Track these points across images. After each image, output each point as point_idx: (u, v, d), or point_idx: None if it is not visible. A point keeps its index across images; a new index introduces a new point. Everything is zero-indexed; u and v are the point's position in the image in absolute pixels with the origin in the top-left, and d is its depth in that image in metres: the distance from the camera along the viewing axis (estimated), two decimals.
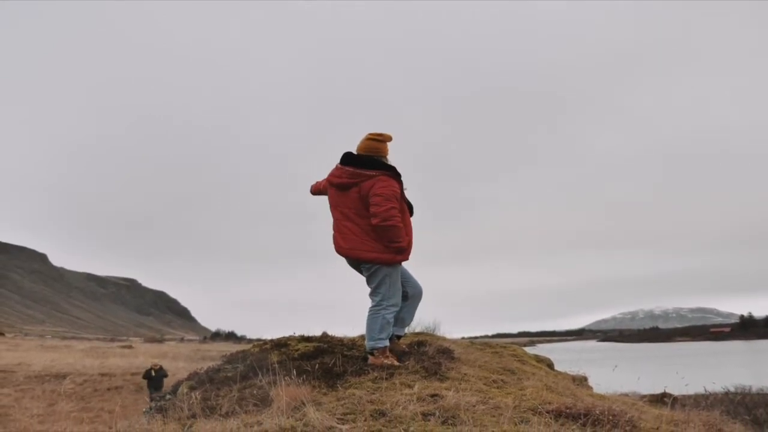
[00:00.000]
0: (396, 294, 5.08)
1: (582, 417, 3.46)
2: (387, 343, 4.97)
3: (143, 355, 38.31)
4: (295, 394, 3.84)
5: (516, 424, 3.20)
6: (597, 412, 3.53)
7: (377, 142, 5.11)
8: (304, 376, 4.43)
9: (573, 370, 7.01)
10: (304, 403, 3.63)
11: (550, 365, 6.69)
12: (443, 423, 3.25)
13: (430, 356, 4.89)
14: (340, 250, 5.09)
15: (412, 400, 3.65)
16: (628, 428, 3.43)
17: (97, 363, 31.21)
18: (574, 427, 3.30)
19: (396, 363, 4.78)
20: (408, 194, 5.22)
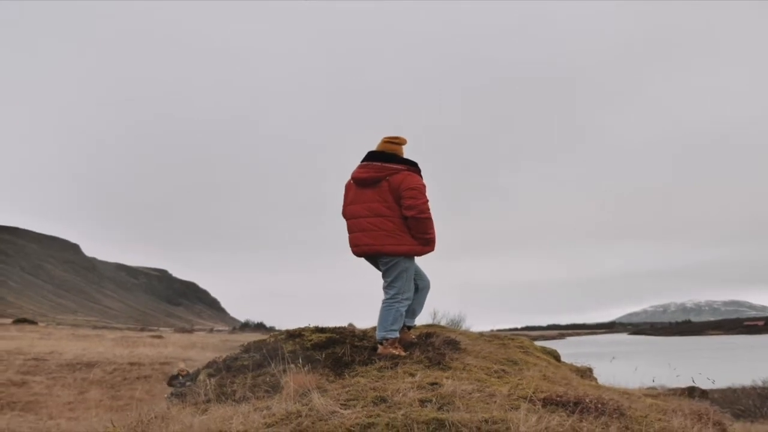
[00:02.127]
0: (410, 288, 5.33)
1: (571, 405, 3.66)
2: (398, 334, 5.22)
3: (173, 345, 38.96)
4: (303, 381, 4.09)
5: (506, 411, 3.41)
6: (587, 400, 3.73)
7: (394, 145, 5.41)
8: (314, 364, 4.70)
9: (579, 362, 7.18)
10: (310, 390, 3.88)
11: (557, 357, 6.86)
12: (438, 409, 3.48)
13: (436, 347, 5.11)
14: (360, 249, 5.31)
15: (413, 388, 3.88)
16: (615, 416, 3.61)
17: (127, 352, 31.87)
18: (562, 413, 3.50)
19: (403, 353, 5.02)
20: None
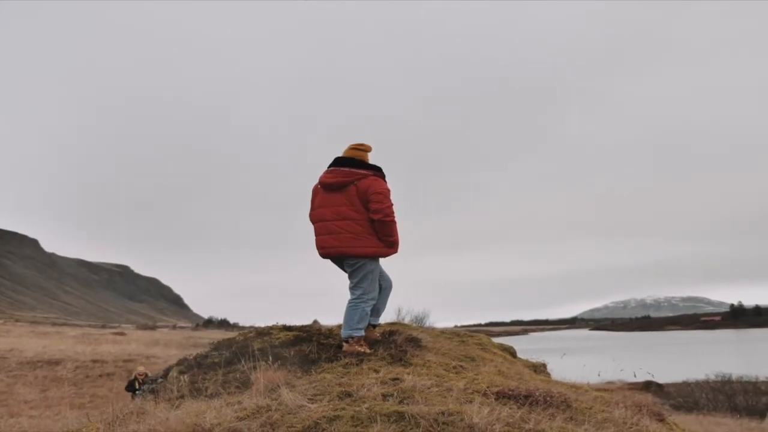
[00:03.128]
0: (375, 288, 5.60)
1: (522, 398, 3.97)
2: (363, 332, 5.49)
3: (136, 342, 38.65)
4: (272, 377, 4.33)
5: (461, 404, 3.69)
6: (536, 393, 4.04)
7: (360, 151, 5.68)
8: (283, 361, 4.94)
9: (533, 358, 7.54)
10: (279, 386, 4.12)
11: (513, 353, 7.20)
12: (399, 402, 3.75)
13: (399, 344, 5.38)
14: (326, 251, 5.53)
15: (376, 383, 4.14)
16: (562, 407, 3.93)
17: (89, 349, 31.54)
18: (513, 405, 3.81)
19: (368, 351, 5.28)
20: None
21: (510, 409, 3.67)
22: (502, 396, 4.00)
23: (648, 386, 31.34)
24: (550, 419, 3.60)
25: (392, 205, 5.44)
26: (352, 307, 5.49)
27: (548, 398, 3.98)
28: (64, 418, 16.41)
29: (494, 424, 3.31)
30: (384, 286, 5.84)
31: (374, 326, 5.91)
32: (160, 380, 5.56)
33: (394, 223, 5.42)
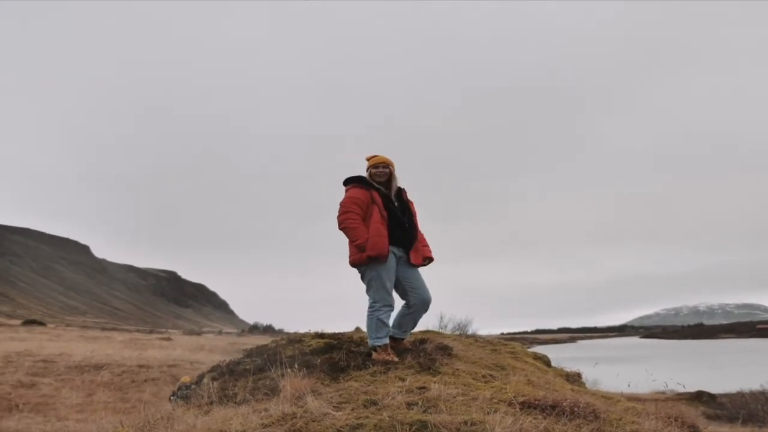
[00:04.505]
0: (385, 296, 5.55)
1: (548, 408, 3.92)
2: (386, 341, 5.50)
3: (181, 348, 39.18)
4: (300, 385, 4.37)
5: (485, 413, 3.67)
6: (564, 404, 3.98)
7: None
8: (312, 369, 4.98)
9: (569, 367, 7.43)
10: (306, 393, 4.16)
11: (547, 362, 7.11)
12: (423, 411, 3.74)
13: (428, 353, 5.38)
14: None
15: (402, 392, 4.15)
16: (590, 418, 3.87)
17: (136, 354, 32.12)
18: (538, 414, 3.76)
19: (395, 359, 5.29)
20: (410, 195, 5.92)
21: (534, 419, 3.63)
22: (528, 406, 3.95)
23: (699, 397, 30.44)
24: (575, 430, 3.55)
25: (347, 212, 5.54)
26: (369, 316, 5.55)
27: (575, 409, 3.92)
28: (108, 421, 16.75)
29: None
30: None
31: (396, 340, 5.82)
32: (193, 386, 5.67)
33: (347, 228, 5.52)
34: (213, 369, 5.97)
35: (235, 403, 4.44)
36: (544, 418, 3.70)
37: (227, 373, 5.50)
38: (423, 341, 5.91)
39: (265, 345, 6.41)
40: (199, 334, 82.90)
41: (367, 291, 5.58)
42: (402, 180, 5.83)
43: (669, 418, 4.13)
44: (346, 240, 5.59)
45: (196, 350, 38.88)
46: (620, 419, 4.03)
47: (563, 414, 3.84)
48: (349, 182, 5.76)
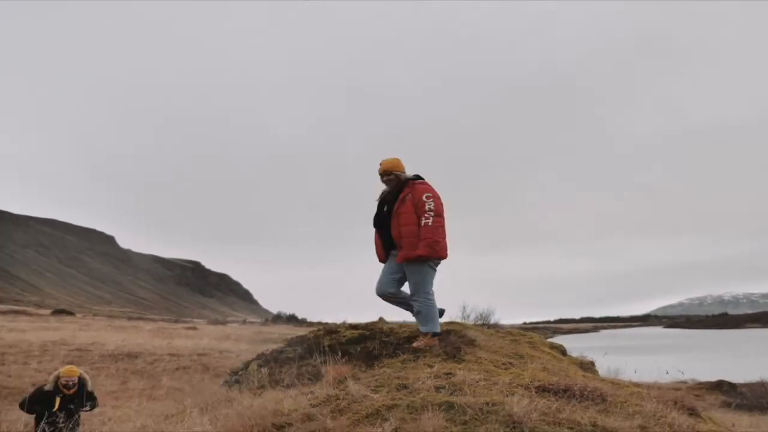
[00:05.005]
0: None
1: (561, 391, 4.45)
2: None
3: (207, 337, 39.98)
4: (340, 371, 4.97)
5: (504, 396, 4.22)
6: (574, 388, 4.51)
7: None
8: (349, 357, 5.59)
9: (582, 356, 7.94)
10: (346, 378, 4.75)
11: (563, 351, 7.62)
12: (450, 394, 4.30)
13: (453, 343, 5.92)
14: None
15: (430, 377, 4.72)
16: (598, 401, 4.39)
17: (165, 343, 32.99)
18: (551, 397, 4.31)
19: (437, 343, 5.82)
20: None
21: (548, 401, 4.17)
22: (542, 390, 4.49)
23: (719, 386, 30.61)
24: (583, 410, 4.08)
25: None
26: (430, 306, 5.92)
27: (585, 392, 4.45)
28: (145, 409, 17.46)
29: (531, 413, 3.82)
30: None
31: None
32: (241, 372, 6.30)
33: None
34: (258, 357, 6.60)
35: (283, 386, 5.04)
36: (557, 400, 4.23)
37: (272, 361, 6.12)
38: (448, 332, 6.45)
39: (304, 335, 7.02)
40: (223, 323, 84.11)
41: (420, 285, 5.88)
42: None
43: (672, 402, 4.62)
44: (379, 233, 5.97)
45: (222, 339, 39.73)
46: (625, 402, 4.55)
47: (573, 396, 4.37)
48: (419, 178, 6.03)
